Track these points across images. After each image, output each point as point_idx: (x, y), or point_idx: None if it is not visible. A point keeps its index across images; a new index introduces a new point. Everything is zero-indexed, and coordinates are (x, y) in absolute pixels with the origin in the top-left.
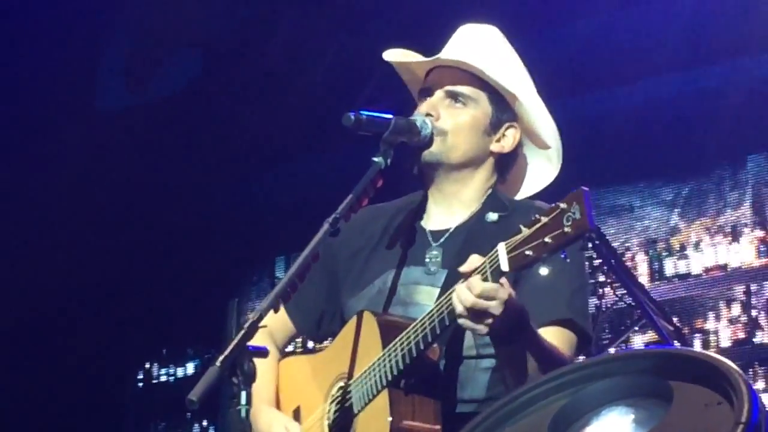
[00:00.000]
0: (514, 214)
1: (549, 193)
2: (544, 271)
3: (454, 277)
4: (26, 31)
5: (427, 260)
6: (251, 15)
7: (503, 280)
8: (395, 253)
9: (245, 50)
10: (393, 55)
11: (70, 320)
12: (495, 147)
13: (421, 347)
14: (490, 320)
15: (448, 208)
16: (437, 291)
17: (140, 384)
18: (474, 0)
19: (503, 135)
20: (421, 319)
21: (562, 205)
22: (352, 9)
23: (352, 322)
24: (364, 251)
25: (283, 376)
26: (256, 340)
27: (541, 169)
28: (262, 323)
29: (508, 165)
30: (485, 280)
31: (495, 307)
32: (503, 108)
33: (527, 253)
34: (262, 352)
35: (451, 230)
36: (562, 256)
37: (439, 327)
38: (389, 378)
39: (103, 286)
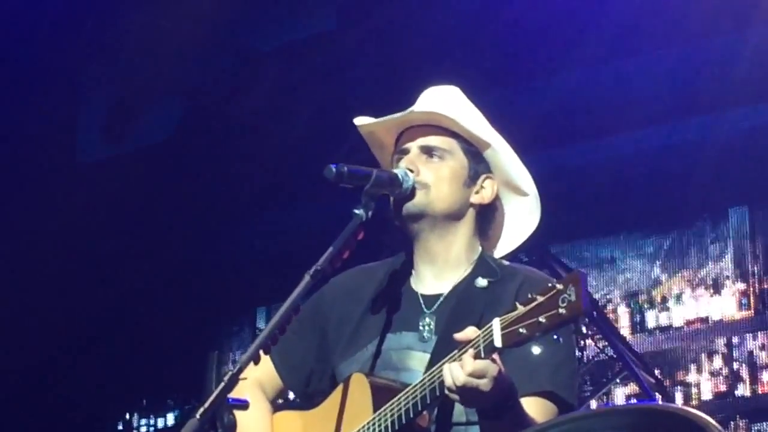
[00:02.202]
0: (503, 280)
1: (530, 242)
2: (536, 350)
3: (444, 344)
4: (5, 84)
5: (421, 327)
6: (232, 65)
7: (495, 356)
8: (388, 317)
9: (226, 100)
10: (362, 120)
11: (51, 370)
12: (475, 198)
13: (411, 415)
14: (479, 396)
15: (438, 271)
16: (428, 357)
17: None
18: (457, 52)
19: (482, 186)
20: (413, 387)
21: (559, 286)
22: (333, 60)
23: (344, 383)
24: (356, 314)
25: (279, 429)
26: (247, 390)
27: (522, 220)
28: (247, 375)
29: (488, 217)
30: (477, 353)
31: (485, 384)
32: (478, 159)
33: (521, 330)
34: (243, 405)
35: (443, 296)
36: (555, 337)
37: (430, 397)
38: None
39: (83, 337)
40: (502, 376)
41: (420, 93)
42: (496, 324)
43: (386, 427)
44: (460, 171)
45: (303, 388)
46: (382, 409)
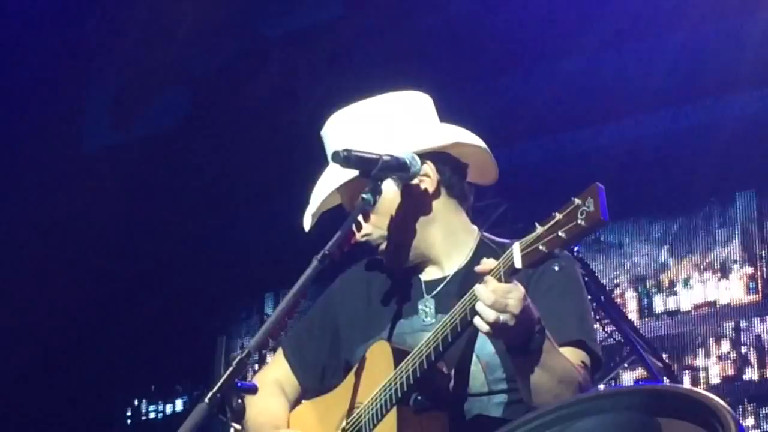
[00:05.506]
0: None
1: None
2: (556, 266)
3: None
4: (13, 72)
5: (420, 311)
6: (239, 52)
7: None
8: (397, 304)
9: (233, 87)
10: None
11: (59, 358)
12: (423, 189)
13: (432, 358)
14: (509, 320)
15: (437, 264)
16: None
17: (129, 421)
18: (463, 38)
19: (423, 174)
20: (433, 332)
21: (577, 201)
22: (340, 46)
23: (365, 356)
24: (366, 305)
25: (294, 422)
26: (267, 388)
27: (468, 146)
28: (265, 376)
29: (453, 179)
30: (498, 278)
31: (513, 304)
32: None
33: (540, 248)
34: (251, 389)
35: (446, 279)
36: (576, 248)
37: (451, 335)
38: (399, 395)
39: (91, 324)
40: (528, 302)
41: (425, 79)
42: (516, 247)
43: (408, 377)
44: (391, 195)
45: (318, 384)
46: (403, 362)
